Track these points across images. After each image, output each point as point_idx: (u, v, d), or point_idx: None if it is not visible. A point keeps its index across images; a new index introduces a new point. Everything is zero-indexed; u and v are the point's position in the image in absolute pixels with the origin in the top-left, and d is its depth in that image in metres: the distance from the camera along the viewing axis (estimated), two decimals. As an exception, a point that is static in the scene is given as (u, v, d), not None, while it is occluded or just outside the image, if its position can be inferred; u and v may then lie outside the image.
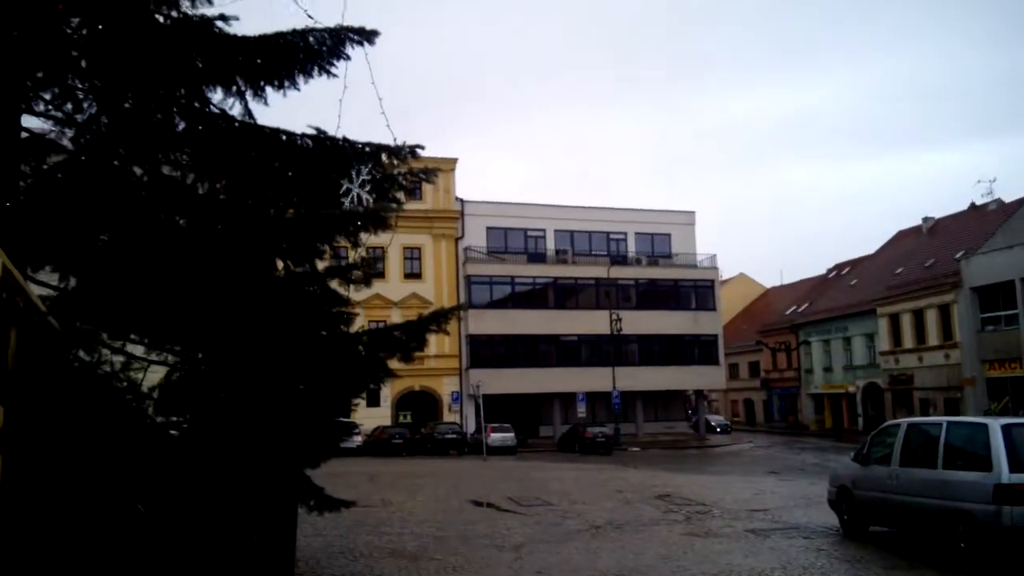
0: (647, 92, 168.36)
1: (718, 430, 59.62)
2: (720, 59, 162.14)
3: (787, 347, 64.38)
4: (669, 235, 55.61)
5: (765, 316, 72.29)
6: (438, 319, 7.87)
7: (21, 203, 6.22)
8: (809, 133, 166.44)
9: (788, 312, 66.66)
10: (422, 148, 7.55)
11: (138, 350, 7.06)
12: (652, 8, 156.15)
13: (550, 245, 52.73)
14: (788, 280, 78.97)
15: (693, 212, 56.68)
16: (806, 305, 64.40)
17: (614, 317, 47.70)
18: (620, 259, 53.69)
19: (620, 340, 49.21)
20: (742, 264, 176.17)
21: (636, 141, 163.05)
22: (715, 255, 59.68)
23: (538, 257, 52.16)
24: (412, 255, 49.85)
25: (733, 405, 75.63)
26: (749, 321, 74.39)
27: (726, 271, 72.00)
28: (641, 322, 50.73)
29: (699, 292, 54.55)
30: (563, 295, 51.62)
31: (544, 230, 52.74)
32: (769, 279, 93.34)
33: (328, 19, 7.41)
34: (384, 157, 7.44)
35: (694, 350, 53.70)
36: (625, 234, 54.80)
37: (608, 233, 54.32)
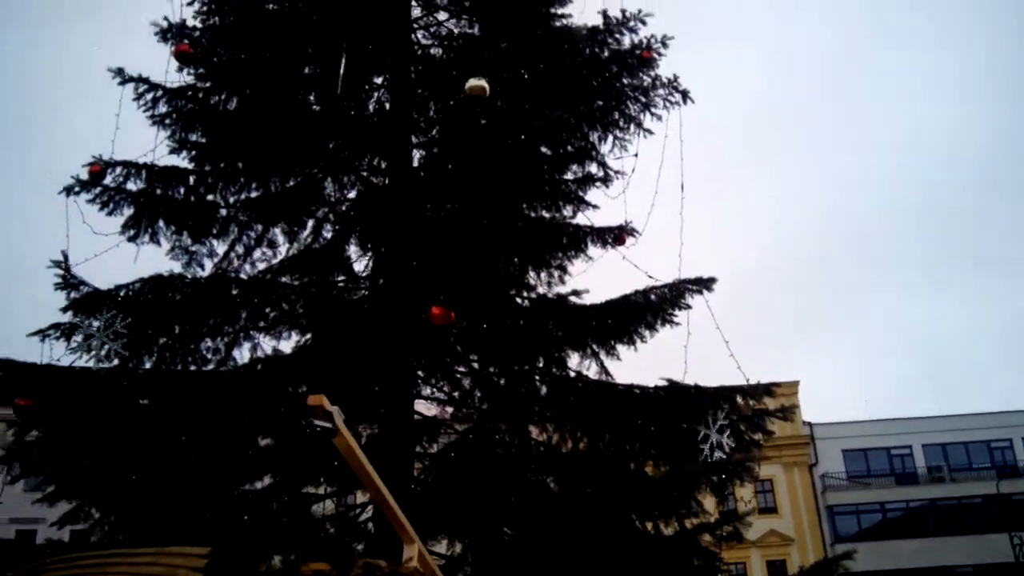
0: (1001, 268, 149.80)
1: None
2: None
3: None
4: (1069, 436, 46.39)
5: None
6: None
7: (420, 482, 7.02)
8: None
9: None
10: (777, 386, 7.35)
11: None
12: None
13: (919, 463, 46.59)
14: None
15: (1098, 406, 47.16)
16: None
17: (1015, 541, 39.52)
18: (1009, 470, 45.47)
19: (1031, 570, 40.21)
20: None
21: (995, 326, 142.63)
22: None
23: (908, 478, 46.10)
24: (764, 488, 46.80)
25: None
26: None
27: None
28: (1058, 546, 41.30)
29: None
30: (945, 519, 44.32)
31: (910, 446, 47.01)
32: None
33: (664, 266, 7.85)
34: (739, 399, 7.34)
35: None
36: (1010, 440, 46.84)
37: (988, 442, 46.85)
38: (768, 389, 7.28)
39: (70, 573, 4.00)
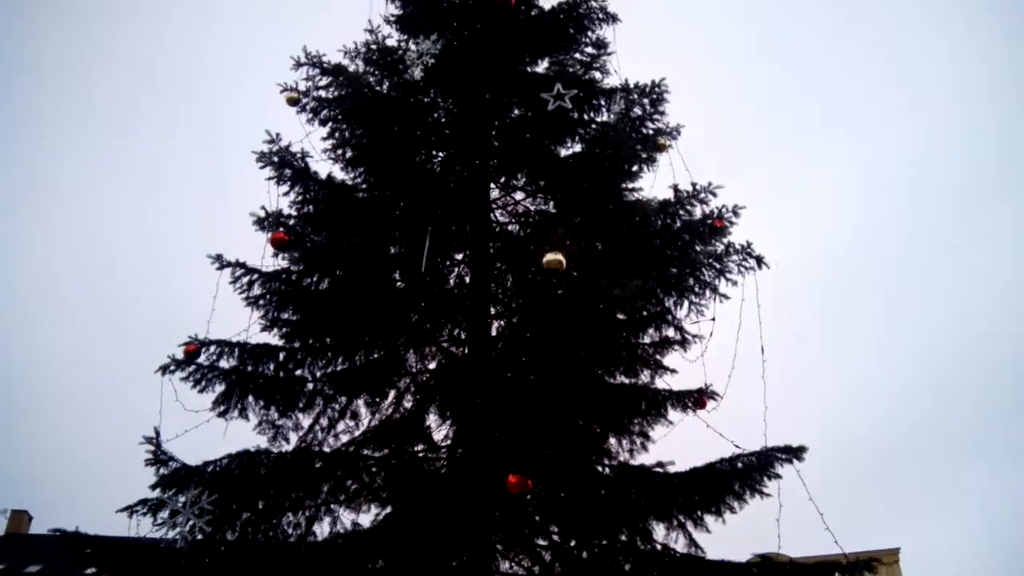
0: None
1: None
2: None
3: None
4: None
5: None
6: None
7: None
8: None
9: None
10: (878, 561, 6.82)
11: None
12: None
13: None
14: None
15: None
16: None
17: None
18: None
19: None
20: None
21: None
22: None
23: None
24: None
25: None
26: None
27: None
28: None
29: None
30: None
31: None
32: None
33: (749, 431, 7.60)
34: (837, 574, 6.83)
35: None
36: None
37: None
38: (869, 564, 6.75)
39: None
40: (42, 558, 33.44)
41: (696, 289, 8.43)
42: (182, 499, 7.80)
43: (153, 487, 8.11)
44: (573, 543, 7.75)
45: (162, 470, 8.27)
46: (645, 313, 8.49)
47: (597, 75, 9.73)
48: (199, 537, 8.01)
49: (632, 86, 9.14)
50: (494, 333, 9.18)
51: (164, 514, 7.96)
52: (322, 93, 10.03)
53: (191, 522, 7.65)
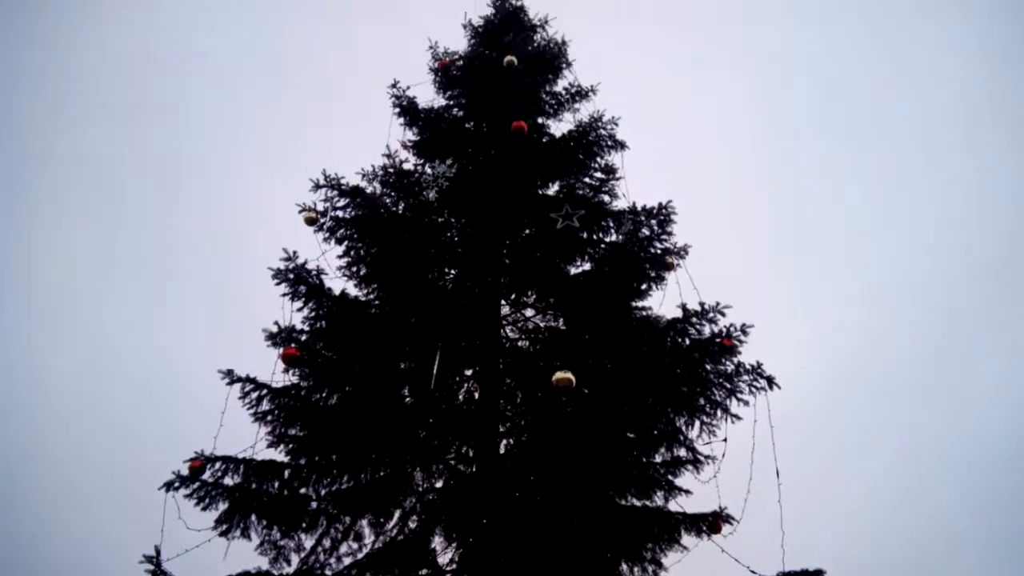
0: None
1: None
2: None
3: None
4: None
5: None
6: None
7: None
8: None
9: None
10: None
11: None
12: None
13: None
14: None
15: None
16: None
17: None
18: None
19: None
20: None
21: None
22: None
23: None
24: None
25: None
26: None
27: None
28: None
29: None
30: None
31: None
32: None
33: (768, 554, 7.32)
34: None
35: None
36: None
37: None
38: None
39: None
40: None
41: (707, 409, 8.34)
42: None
43: (152, 611, 7.82)
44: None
45: (160, 591, 8.01)
46: (656, 432, 8.38)
47: (606, 198, 10.06)
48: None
49: (640, 208, 9.40)
50: (503, 451, 9.05)
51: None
52: (340, 213, 10.35)
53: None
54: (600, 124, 10.70)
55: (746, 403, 8.19)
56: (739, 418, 8.22)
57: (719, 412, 8.32)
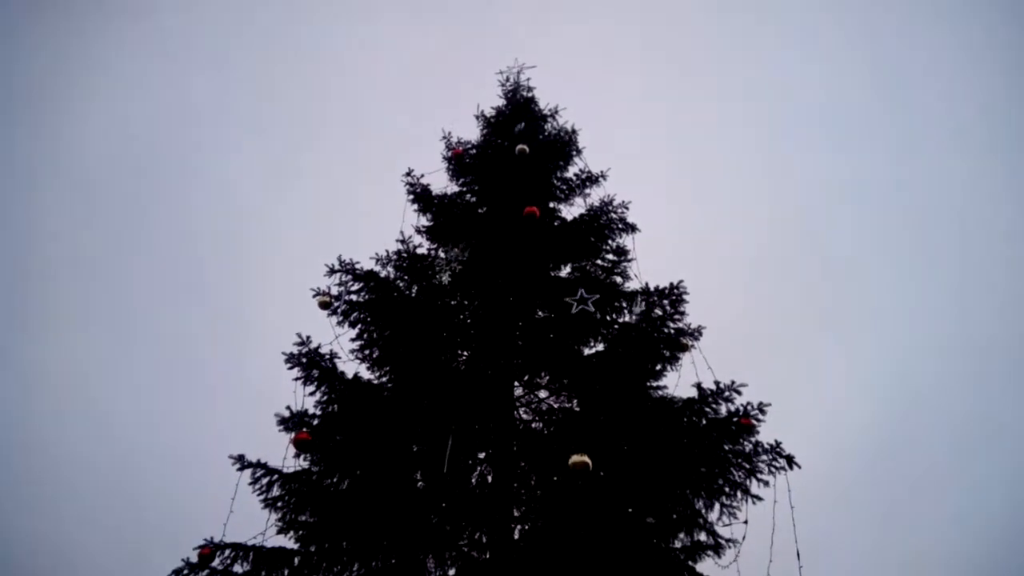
0: None
1: None
2: None
3: None
4: None
5: None
6: None
7: None
8: None
9: None
10: None
11: None
12: None
13: None
14: None
15: None
16: None
17: None
18: None
19: None
20: None
21: None
22: None
23: None
24: None
25: None
26: None
27: None
28: None
29: None
30: None
31: None
32: None
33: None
34: None
35: None
36: None
37: None
38: None
39: None
40: None
41: (726, 490, 8.14)
42: None
43: None
44: None
45: None
46: (675, 516, 8.15)
47: (618, 279, 10.14)
48: None
49: (652, 289, 9.46)
50: (517, 536, 8.82)
51: None
52: (354, 297, 10.45)
53: None
54: (611, 208, 10.90)
55: (766, 483, 8.01)
56: (759, 499, 8.02)
57: (739, 493, 8.12)
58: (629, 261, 10.32)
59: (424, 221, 11.77)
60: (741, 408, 8.30)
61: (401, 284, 10.79)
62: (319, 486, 9.04)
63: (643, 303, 9.33)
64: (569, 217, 11.33)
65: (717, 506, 8.19)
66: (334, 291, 10.44)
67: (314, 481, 9.01)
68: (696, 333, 9.25)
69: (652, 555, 8.01)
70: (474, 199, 11.96)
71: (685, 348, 9.12)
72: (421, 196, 11.72)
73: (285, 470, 9.09)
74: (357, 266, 10.60)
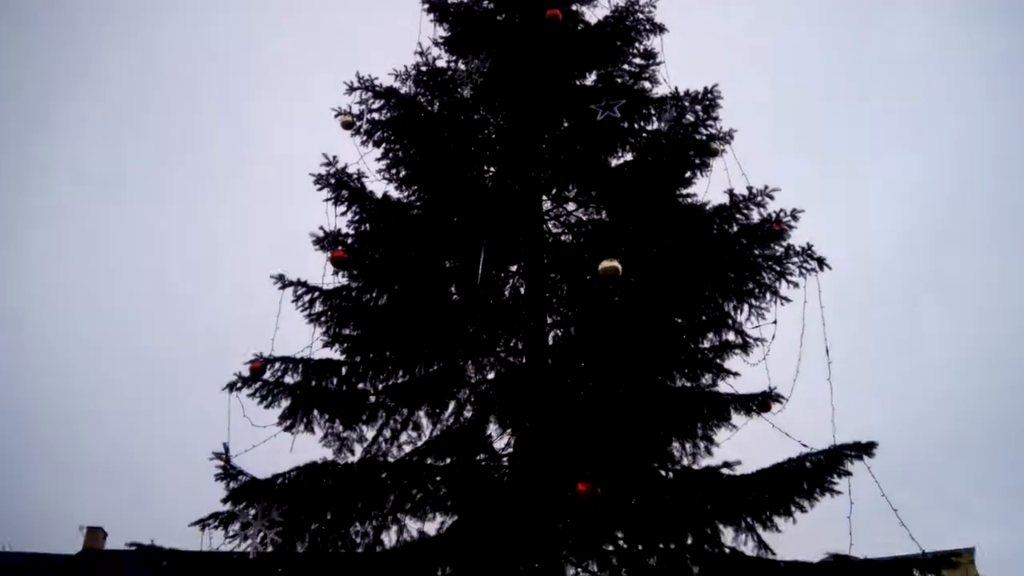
0: None
1: None
2: None
3: None
4: None
5: None
6: None
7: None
8: None
9: None
10: (956, 555, 6.68)
11: None
12: None
13: None
14: None
15: None
16: None
17: None
18: None
19: None
20: None
21: None
22: None
23: None
24: None
25: None
26: None
27: None
28: None
29: None
30: None
31: None
32: None
33: (817, 430, 7.51)
34: (916, 572, 6.68)
35: None
36: None
37: None
38: (947, 560, 6.60)
39: None
40: (119, 573, 34.22)
41: (756, 293, 8.37)
42: (252, 512, 7.96)
43: (224, 500, 8.29)
44: (640, 548, 7.71)
45: (232, 484, 8.45)
46: (704, 318, 8.46)
47: (646, 85, 9.84)
48: (270, 548, 8.17)
49: (683, 93, 9.20)
50: (551, 342, 9.25)
51: (235, 527, 8.15)
52: (375, 115, 10.28)
53: (262, 533, 7.80)
54: (637, 7, 10.36)
55: (796, 285, 8.20)
56: (789, 300, 8.25)
57: (768, 295, 8.36)
58: (657, 65, 9.93)
59: (441, 32, 11.29)
60: (773, 214, 8.32)
61: (423, 100, 10.57)
62: (359, 301, 9.38)
63: (673, 109, 9.10)
64: (593, 20, 10.81)
65: (746, 308, 8.46)
66: (355, 110, 10.26)
67: (354, 297, 9.33)
68: (728, 137, 9.08)
69: (681, 353, 8.40)
70: (492, 5, 11.39)
71: (716, 153, 9.00)
72: (436, 5, 11.19)
73: (325, 287, 9.40)
74: (376, 83, 10.34)
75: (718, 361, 8.61)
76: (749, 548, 7.43)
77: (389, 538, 8.48)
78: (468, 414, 9.23)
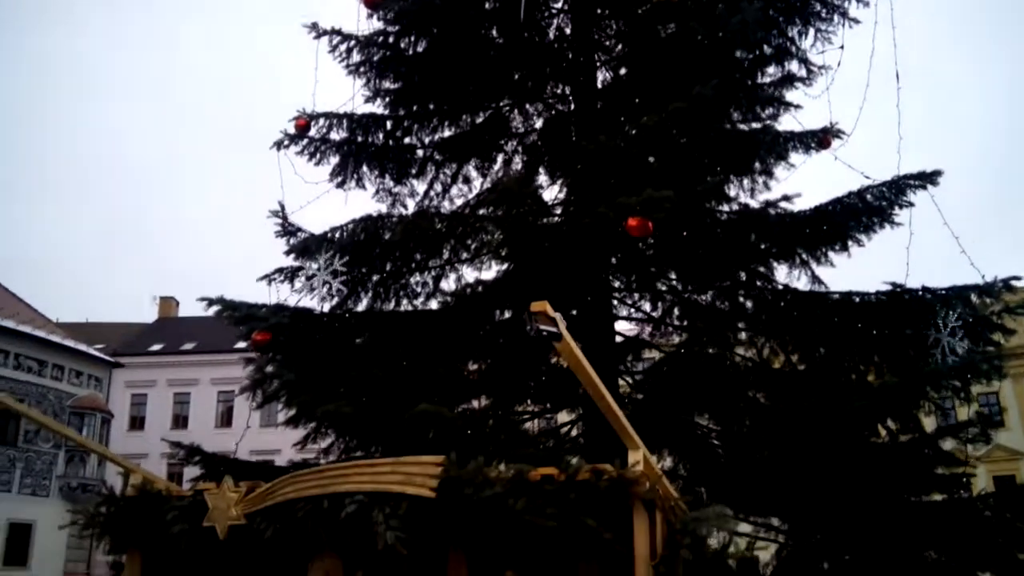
0: None
1: None
2: None
3: None
4: None
5: None
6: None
7: (628, 400, 7.03)
8: None
9: None
10: (1017, 279, 6.62)
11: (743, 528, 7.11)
12: None
13: None
14: None
15: None
16: None
17: None
18: None
19: None
20: None
21: None
22: None
23: None
24: (989, 401, 42.34)
25: None
26: None
27: None
28: None
29: None
30: None
31: None
32: None
33: (878, 170, 7.26)
34: (973, 297, 6.69)
35: None
36: None
37: None
38: (1008, 284, 6.57)
39: (316, 481, 4.36)
40: (193, 337, 37.41)
41: (823, 14, 7.71)
42: (315, 264, 8.19)
43: (287, 253, 8.56)
44: (692, 287, 7.85)
45: (292, 240, 8.67)
46: (767, 48, 7.88)
47: None
48: (335, 300, 8.54)
49: None
50: (600, 86, 8.83)
51: (300, 280, 8.47)
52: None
53: (327, 284, 8.09)
54: None
55: (867, 3, 7.51)
56: (858, 22, 7.60)
57: (836, 17, 7.70)
58: None
59: None
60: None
61: None
62: (397, 49, 8.93)
63: None
64: None
65: (812, 32, 7.85)
66: None
67: (391, 44, 8.88)
68: None
69: (740, 88, 7.91)
70: None
71: None
72: None
73: (360, 35, 8.93)
74: None
75: (778, 95, 8.12)
76: (802, 284, 7.49)
77: (448, 286, 8.76)
78: (517, 165, 9.10)
